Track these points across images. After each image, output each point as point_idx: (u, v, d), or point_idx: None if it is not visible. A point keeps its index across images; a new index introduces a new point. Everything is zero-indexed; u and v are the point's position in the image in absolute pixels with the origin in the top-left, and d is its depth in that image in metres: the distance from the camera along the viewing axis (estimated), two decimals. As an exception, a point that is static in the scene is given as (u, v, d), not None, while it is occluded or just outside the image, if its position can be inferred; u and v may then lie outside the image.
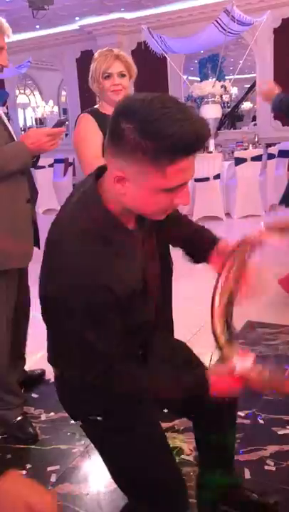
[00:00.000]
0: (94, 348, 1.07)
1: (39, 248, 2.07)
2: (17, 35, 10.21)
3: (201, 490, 1.64)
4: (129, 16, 9.52)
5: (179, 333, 3.11)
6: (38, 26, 9.99)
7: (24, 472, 1.98)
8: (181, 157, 0.95)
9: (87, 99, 2.63)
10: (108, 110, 2.30)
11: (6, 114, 7.97)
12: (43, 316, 1.13)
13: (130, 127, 0.94)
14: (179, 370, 1.24)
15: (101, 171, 1.11)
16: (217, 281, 1.23)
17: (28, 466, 2.02)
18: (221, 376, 1.18)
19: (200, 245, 1.39)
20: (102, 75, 2.20)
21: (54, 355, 1.21)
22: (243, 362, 1.15)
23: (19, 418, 2.23)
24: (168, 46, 7.31)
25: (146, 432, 1.26)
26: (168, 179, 0.97)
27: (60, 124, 2.13)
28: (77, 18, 9.68)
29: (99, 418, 1.23)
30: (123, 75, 2.23)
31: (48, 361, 1.25)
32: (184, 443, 2.07)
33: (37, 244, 2.19)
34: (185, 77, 9.18)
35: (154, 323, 1.32)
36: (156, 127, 0.92)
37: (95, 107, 2.36)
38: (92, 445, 2.08)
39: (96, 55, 2.27)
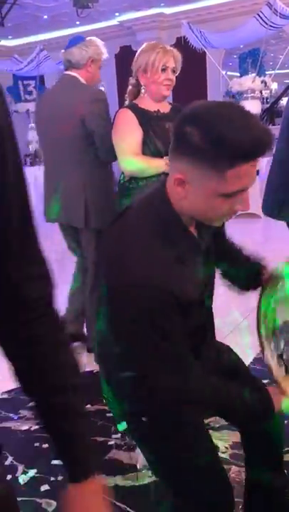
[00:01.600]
0: (158, 350, 1.07)
1: None
2: (57, 31, 10.33)
3: (251, 493, 1.63)
4: (168, 10, 9.48)
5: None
6: (78, 23, 10.08)
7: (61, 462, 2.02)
8: (241, 163, 0.96)
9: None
10: (149, 105, 2.27)
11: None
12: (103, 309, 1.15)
13: (194, 131, 0.96)
14: (239, 385, 1.20)
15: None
16: (258, 314, 1.25)
17: (65, 456, 2.05)
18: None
19: (249, 275, 1.39)
20: (161, 67, 2.20)
21: (107, 355, 1.23)
22: None
23: None
24: (208, 41, 7.24)
25: (192, 435, 1.25)
26: (226, 184, 0.98)
27: None
28: (116, 14, 9.71)
29: (144, 419, 1.22)
30: (174, 71, 2.26)
31: (96, 360, 1.26)
32: (219, 440, 2.06)
33: None
34: (224, 72, 9.08)
35: (206, 327, 1.32)
36: (218, 133, 0.94)
37: (134, 101, 2.32)
38: (127, 438, 2.11)
39: (149, 46, 2.24)
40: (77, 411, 0.82)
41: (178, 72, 2.29)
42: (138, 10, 9.41)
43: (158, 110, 2.27)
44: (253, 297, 2.94)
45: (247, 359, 2.75)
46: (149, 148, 2.23)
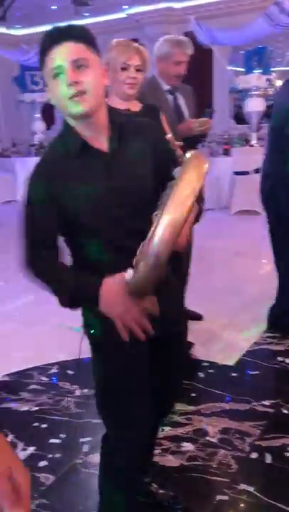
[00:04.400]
0: (27, 227, 1.30)
1: None
2: (65, 22, 10.36)
3: None
4: (178, 5, 9.50)
5: (208, 322, 3.21)
6: (86, 14, 10.10)
7: (59, 441, 2.14)
8: (45, 52, 1.22)
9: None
10: (118, 104, 2.15)
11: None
12: None
13: None
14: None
15: None
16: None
17: (62, 436, 2.17)
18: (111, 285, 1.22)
19: None
20: (120, 65, 2.10)
21: None
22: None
23: None
24: (215, 37, 7.29)
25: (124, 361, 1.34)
26: (47, 65, 1.22)
27: (205, 113, 2.80)
28: (125, 7, 9.74)
29: (92, 332, 1.37)
30: (139, 70, 2.15)
31: None
32: (208, 426, 2.17)
33: None
34: (230, 67, 9.11)
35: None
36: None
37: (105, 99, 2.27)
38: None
39: (113, 43, 2.16)
40: None
41: (145, 70, 2.19)
42: (147, 4, 9.43)
43: (128, 109, 2.18)
44: (251, 288, 3.05)
45: (241, 351, 2.86)
46: None
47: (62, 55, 1.20)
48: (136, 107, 2.25)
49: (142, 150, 1.33)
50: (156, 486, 1.80)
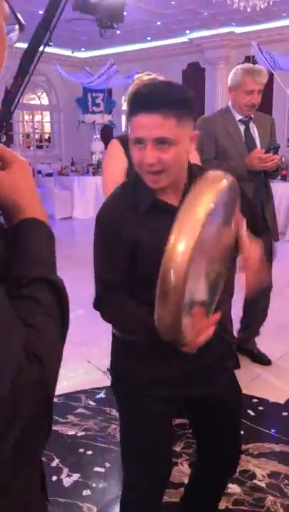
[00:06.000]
0: (97, 269, 1.32)
1: None
2: (128, 46, 10.64)
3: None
4: (239, 30, 9.54)
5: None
6: (149, 38, 10.34)
7: (103, 470, 2.13)
8: (132, 115, 1.18)
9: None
10: None
11: (111, 122, 8.59)
12: None
13: None
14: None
15: None
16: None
17: (107, 465, 2.16)
18: None
19: None
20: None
21: None
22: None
23: None
24: (276, 63, 7.26)
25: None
26: (131, 131, 1.18)
27: (269, 149, 2.69)
28: (187, 31, 9.89)
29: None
30: None
31: None
32: (256, 468, 2.10)
33: None
34: (291, 92, 9.01)
35: None
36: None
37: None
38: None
39: (134, 77, 2.16)
40: None
41: None
42: (209, 28, 9.54)
43: None
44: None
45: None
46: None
47: (147, 127, 1.13)
48: None
49: None
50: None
